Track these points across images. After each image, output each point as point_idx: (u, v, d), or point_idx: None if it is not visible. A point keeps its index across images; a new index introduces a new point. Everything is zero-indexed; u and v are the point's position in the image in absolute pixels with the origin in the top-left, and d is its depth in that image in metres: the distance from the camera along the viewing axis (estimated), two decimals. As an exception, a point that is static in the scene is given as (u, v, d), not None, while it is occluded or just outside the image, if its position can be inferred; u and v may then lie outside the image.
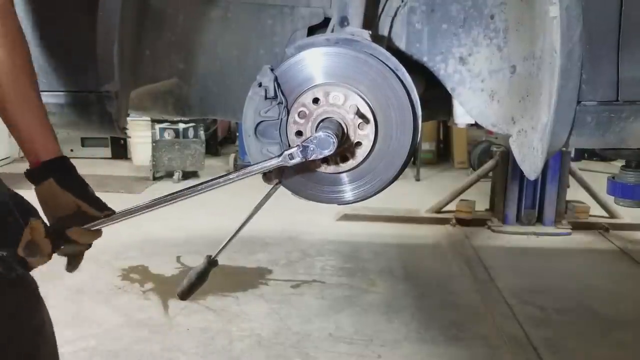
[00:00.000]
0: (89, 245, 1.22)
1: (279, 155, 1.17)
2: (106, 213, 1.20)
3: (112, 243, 4.16)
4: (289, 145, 1.22)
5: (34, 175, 1.18)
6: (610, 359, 2.82)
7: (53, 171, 1.17)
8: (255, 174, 1.21)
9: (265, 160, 1.20)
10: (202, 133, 6.32)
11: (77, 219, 1.17)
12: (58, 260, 1.41)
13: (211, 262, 1.40)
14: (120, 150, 7.48)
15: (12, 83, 1.12)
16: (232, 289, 3.44)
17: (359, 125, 1.21)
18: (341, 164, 1.24)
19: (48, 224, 1.15)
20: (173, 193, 1.20)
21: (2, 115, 1.14)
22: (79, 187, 1.19)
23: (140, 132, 6.32)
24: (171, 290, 3.34)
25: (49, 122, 1.18)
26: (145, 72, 1.44)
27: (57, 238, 1.15)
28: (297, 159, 1.16)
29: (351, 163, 1.23)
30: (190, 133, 6.24)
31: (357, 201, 1.28)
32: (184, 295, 1.41)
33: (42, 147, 1.17)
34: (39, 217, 1.14)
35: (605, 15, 1.12)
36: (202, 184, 1.19)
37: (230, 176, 1.20)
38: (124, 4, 1.23)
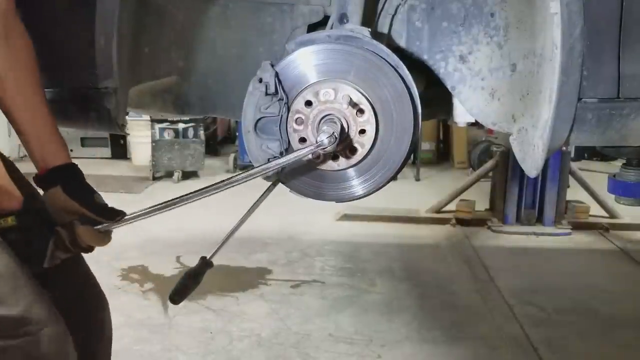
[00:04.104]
0: (91, 249, 1.26)
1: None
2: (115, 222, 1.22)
3: (112, 243, 4.13)
4: (289, 142, 1.23)
5: (42, 181, 1.21)
6: (610, 359, 2.81)
7: (60, 178, 1.19)
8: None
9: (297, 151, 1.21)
10: (202, 133, 6.32)
11: (83, 222, 1.20)
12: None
13: (206, 263, 1.37)
14: (120, 150, 7.48)
15: (20, 89, 1.13)
16: (231, 289, 3.44)
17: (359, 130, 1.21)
18: (352, 157, 1.24)
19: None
20: (191, 193, 1.21)
21: (11, 122, 1.16)
22: (85, 195, 1.21)
23: (139, 132, 6.32)
24: (170, 290, 3.33)
25: (58, 129, 1.20)
26: (145, 70, 1.43)
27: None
28: (329, 148, 1.18)
29: (361, 152, 1.23)
30: (190, 133, 6.24)
31: (370, 194, 1.27)
32: (176, 297, 1.37)
33: (50, 153, 1.19)
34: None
35: (606, 11, 1.12)
36: (223, 181, 1.20)
37: (253, 171, 1.21)
38: (123, 0, 1.22)
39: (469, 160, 6.99)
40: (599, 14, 1.12)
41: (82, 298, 1.42)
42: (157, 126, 6.16)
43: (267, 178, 1.27)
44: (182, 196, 1.20)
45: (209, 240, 3.95)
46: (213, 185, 1.20)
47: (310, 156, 1.23)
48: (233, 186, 1.19)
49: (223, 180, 1.20)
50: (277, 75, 1.20)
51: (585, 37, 1.11)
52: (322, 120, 1.21)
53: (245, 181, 1.19)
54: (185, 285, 1.36)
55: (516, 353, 2.80)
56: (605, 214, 4.80)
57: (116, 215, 1.22)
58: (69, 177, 1.21)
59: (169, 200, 1.21)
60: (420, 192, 5.84)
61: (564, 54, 1.11)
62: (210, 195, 1.20)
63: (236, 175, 1.20)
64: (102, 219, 1.21)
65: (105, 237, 1.25)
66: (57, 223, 1.19)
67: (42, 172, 1.20)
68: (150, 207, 1.22)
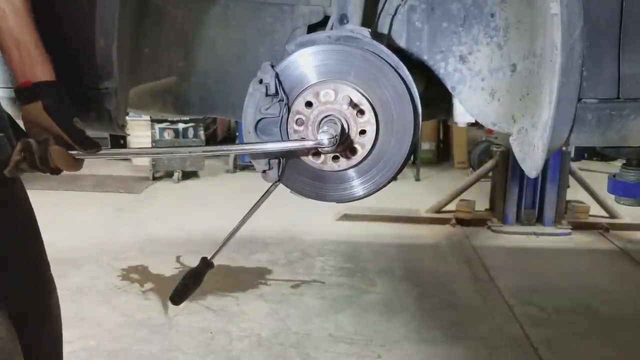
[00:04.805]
0: (58, 172, 1.21)
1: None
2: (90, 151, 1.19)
3: (112, 243, 4.16)
4: None
5: (22, 94, 1.16)
6: (610, 359, 2.81)
7: (42, 94, 1.15)
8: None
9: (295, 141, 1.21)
10: (201, 133, 6.31)
11: (58, 143, 1.16)
12: (58, 265, 1.40)
13: (207, 264, 1.37)
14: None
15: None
16: (232, 289, 3.44)
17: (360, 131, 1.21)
18: (352, 157, 1.24)
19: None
20: (174, 146, 1.21)
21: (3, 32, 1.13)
22: (66, 117, 1.17)
23: (140, 132, 6.31)
24: (171, 291, 3.34)
25: (43, 47, 1.16)
26: (145, 70, 1.43)
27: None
28: (329, 148, 1.18)
29: (361, 153, 1.23)
30: (190, 133, 6.23)
31: (370, 194, 1.27)
32: (177, 298, 1.37)
33: (34, 66, 1.14)
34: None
35: (606, 12, 1.12)
36: (212, 146, 1.20)
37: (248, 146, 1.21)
38: (123, 1, 1.22)
39: (469, 160, 6.98)
40: (599, 14, 1.12)
41: (31, 284, 1.38)
42: (157, 126, 6.16)
43: (267, 179, 1.27)
44: (162, 146, 1.20)
45: (209, 240, 3.96)
46: (199, 146, 1.21)
47: (310, 156, 1.23)
48: (218, 155, 1.20)
49: (212, 145, 1.20)
50: (277, 76, 1.20)
51: (585, 38, 1.11)
52: (323, 121, 1.21)
53: (234, 152, 1.20)
54: (186, 286, 1.36)
55: (516, 353, 2.80)
56: (605, 214, 4.80)
57: (92, 146, 1.18)
58: (51, 94, 1.15)
59: (147, 147, 1.20)
60: (420, 192, 5.84)
61: (564, 55, 1.11)
62: (192, 155, 1.18)
63: (226, 145, 1.20)
64: (78, 146, 1.17)
65: (76, 164, 1.20)
66: (30, 136, 1.15)
67: (24, 86, 1.15)
68: (128, 149, 1.23)
